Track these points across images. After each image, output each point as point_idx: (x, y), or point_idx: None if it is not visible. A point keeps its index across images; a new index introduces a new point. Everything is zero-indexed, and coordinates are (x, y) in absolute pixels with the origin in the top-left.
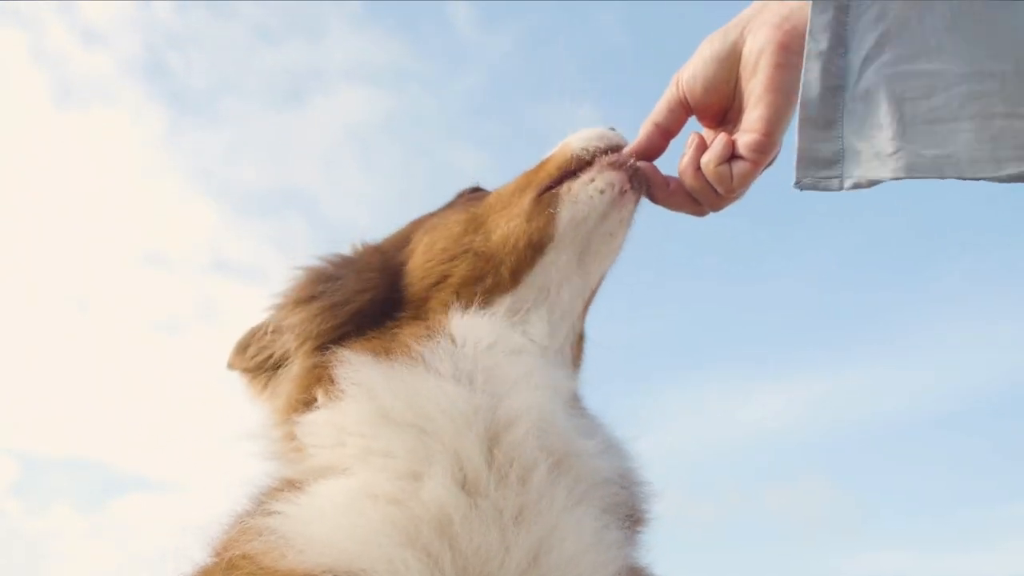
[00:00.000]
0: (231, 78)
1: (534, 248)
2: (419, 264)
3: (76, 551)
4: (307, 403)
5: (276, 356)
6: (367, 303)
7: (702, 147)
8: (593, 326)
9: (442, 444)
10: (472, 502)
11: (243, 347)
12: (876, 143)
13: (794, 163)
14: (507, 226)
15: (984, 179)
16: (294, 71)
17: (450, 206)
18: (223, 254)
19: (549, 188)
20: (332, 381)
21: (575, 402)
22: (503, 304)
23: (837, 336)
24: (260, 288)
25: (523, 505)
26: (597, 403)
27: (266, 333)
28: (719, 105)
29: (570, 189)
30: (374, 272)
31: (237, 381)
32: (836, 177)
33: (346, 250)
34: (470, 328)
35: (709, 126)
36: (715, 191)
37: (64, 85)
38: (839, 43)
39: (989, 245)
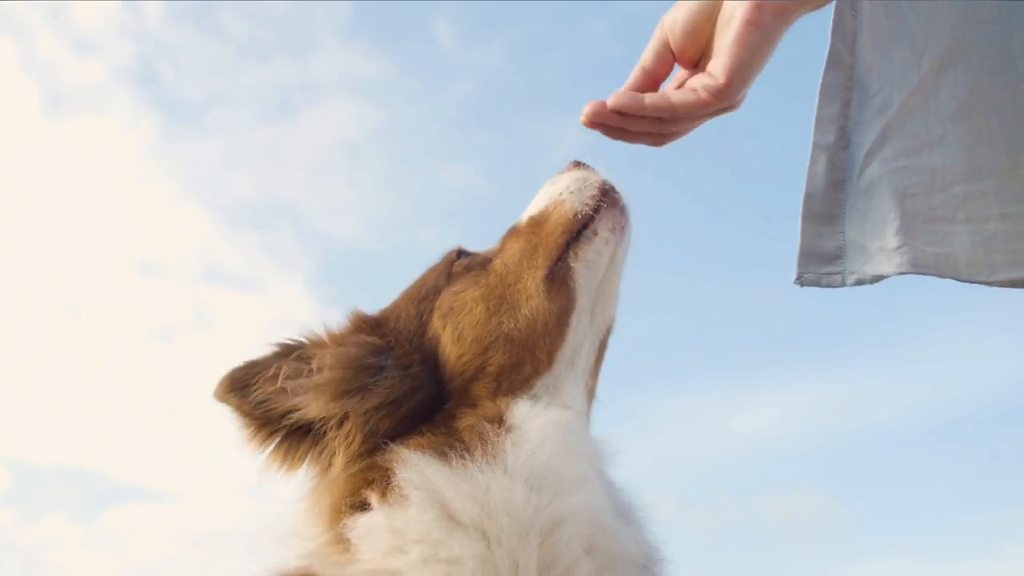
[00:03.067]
0: (222, 89)
1: (561, 323)
2: (454, 357)
3: (71, 561)
4: (356, 506)
5: (295, 419)
6: (421, 401)
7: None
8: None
9: (505, 551)
10: None
11: (241, 384)
12: (880, 238)
13: (795, 258)
14: (530, 307)
15: (979, 283)
16: (283, 84)
17: (450, 276)
18: (216, 263)
19: (558, 260)
20: (388, 483)
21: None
22: (544, 384)
23: (832, 346)
24: (253, 297)
25: None
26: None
27: (277, 379)
28: (695, 51)
29: (577, 254)
30: (419, 367)
31: (225, 415)
32: (838, 273)
33: (340, 317)
34: (526, 418)
35: (690, 60)
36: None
37: (54, 93)
38: (843, 136)
39: None
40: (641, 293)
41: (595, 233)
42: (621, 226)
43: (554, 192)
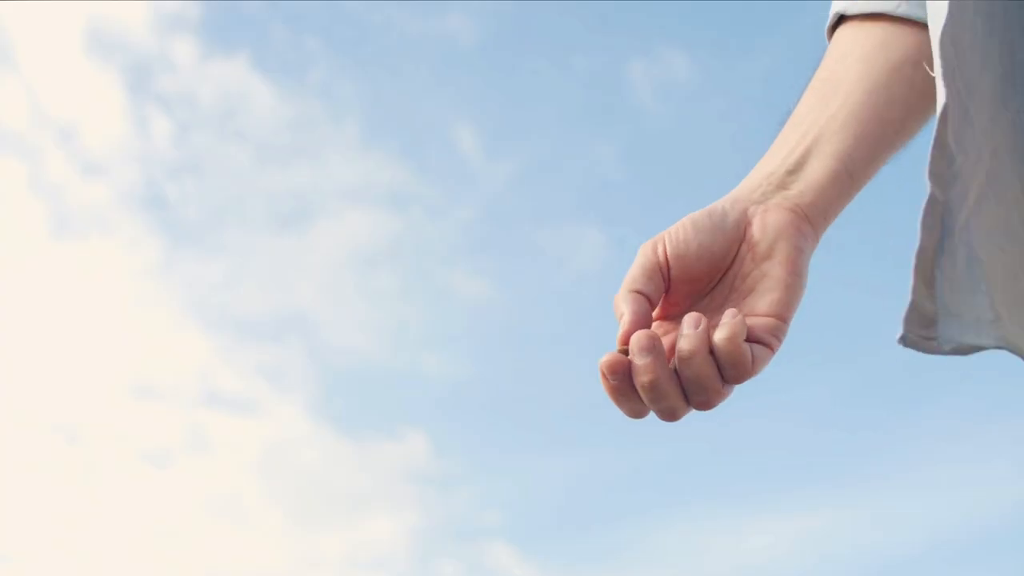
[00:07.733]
0: (231, 204)
1: None
2: None
3: None
4: None
5: None
6: None
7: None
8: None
9: None
10: None
11: None
12: (975, 308)
13: (903, 314)
14: None
15: None
16: (295, 194)
17: None
18: (215, 386)
19: None
20: None
21: None
22: None
23: (829, 473)
24: (251, 420)
25: None
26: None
27: None
28: (703, 276)
29: None
30: None
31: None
32: (933, 339)
33: None
34: None
35: (675, 305)
36: (718, 381)
37: (61, 215)
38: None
39: (981, 380)
40: (636, 426)
41: None
42: None
43: None
